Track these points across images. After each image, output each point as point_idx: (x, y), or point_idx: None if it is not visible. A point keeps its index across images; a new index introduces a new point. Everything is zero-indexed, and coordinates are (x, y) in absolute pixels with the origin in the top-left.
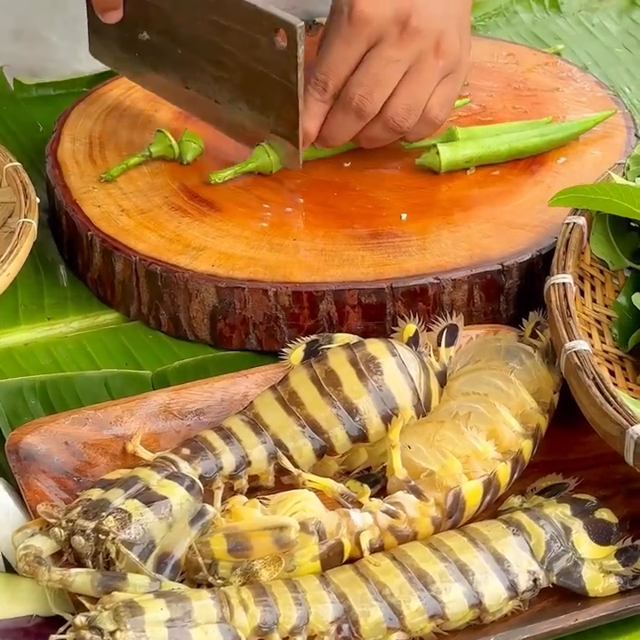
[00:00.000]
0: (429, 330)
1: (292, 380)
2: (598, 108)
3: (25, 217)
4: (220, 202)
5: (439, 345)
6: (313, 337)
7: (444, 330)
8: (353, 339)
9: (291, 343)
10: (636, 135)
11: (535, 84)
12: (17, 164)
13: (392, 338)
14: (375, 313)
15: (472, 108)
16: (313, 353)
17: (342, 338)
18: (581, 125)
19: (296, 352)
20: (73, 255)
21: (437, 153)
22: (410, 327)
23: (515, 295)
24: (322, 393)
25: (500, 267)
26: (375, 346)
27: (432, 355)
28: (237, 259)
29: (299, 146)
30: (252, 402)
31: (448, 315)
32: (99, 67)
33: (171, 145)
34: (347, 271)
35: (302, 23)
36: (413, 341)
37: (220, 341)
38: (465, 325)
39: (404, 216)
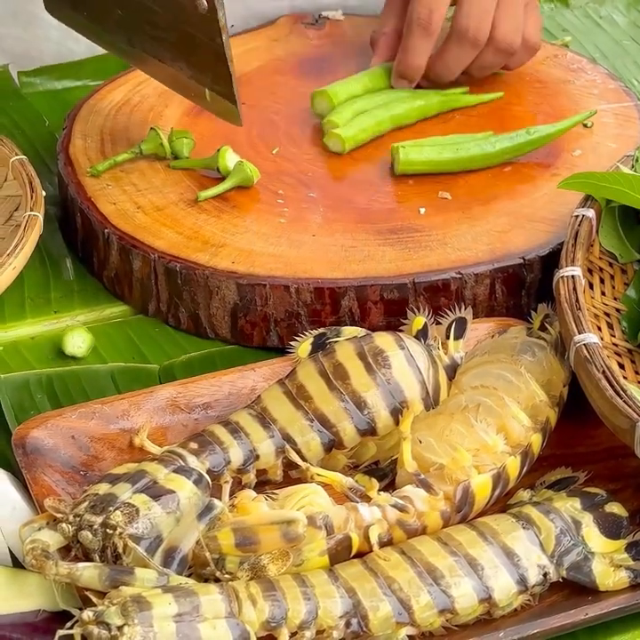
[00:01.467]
0: (439, 323)
1: (300, 373)
2: (610, 99)
3: (31, 210)
4: (236, 198)
5: (448, 338)
6: (321, 330)
7: (452, 323)
8: (361, 332)
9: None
10: None
11: (546, 77)
12: (23, 157)
13: (401, 331)
14: (397, 308)
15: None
16: (321, 346)
17: (350, 331)
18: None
19: (303, 345)
20: (88, 253)
21: (397, 152)
22: (419, 320)
23: (536, 289)
24: (330, 387)
25: (522, 261)
26: (383, 339)
27: (441, 348)
28: (257, 255)
29: (236, 103)
30: (259, 396)
31: (458, 308)
32: (96, 50)
33: (162, 143)
34: (368, 267)
35: None
36: (422, 334)
37: (241, 339)
38: (474, 318)
39: (422, 210)
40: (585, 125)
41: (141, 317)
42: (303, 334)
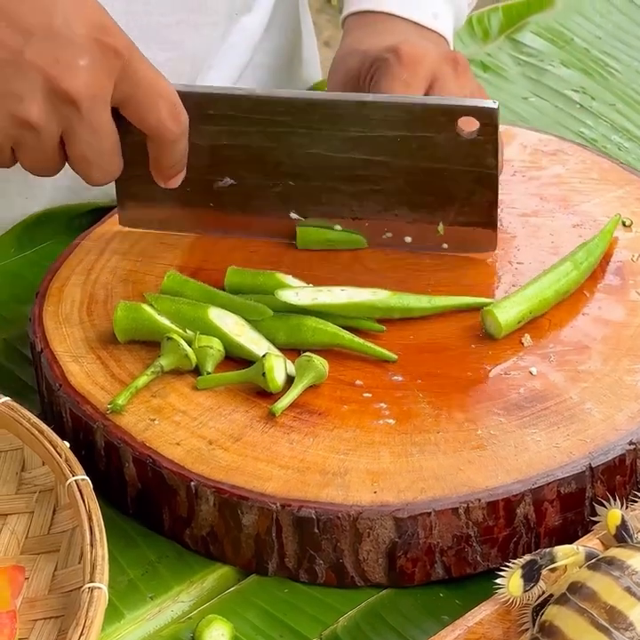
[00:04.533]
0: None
1: (565, 629)
2: (612, 181)
3: (91, 580)
4: (314, 401)
5: None
6: (528, 558)
7: None
8: (577, 551)
9: (483, 561)
10: None
11: (536, 169)
12: (83, 477)
13: (593, 530)
14: (574, 502)
15: None
16: (531, 577)
17: (564, 553)
18: (606, 238)
19: (513, 580)
20: (149, 510)
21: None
22: (614, 514)
23: None
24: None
25: None
26: (636, 559)
27: None
28: (394, 475)
29: (496, 229)
30: None
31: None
32: None
33: (186, 355)
34: (531, 460)
35: (497, 103)
36: (623, 529)
37: (400, 579)
38: None
39: (534, 370)
40: (624, 224)
41: (258, 579)
42: (473, 557)
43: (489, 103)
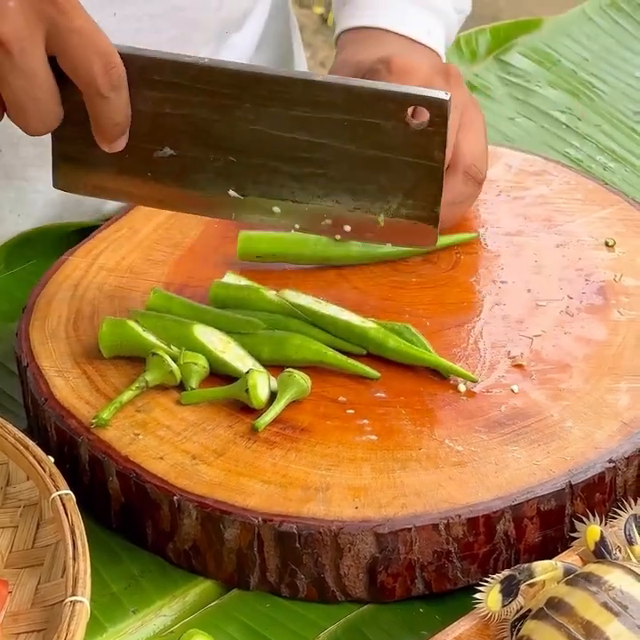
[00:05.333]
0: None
1: None
2: (596, 201)
3: (72, 593)
4: (296, 417)
5: (631, 542)
6: (506, 573)
7: (627, 523)
8: (555, 566)
9: (463, 577)
10: None
11: (521, 189)
12: (66, 492)
13: (572, 546)
14: (554, 519)
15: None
16: (510, 592)
17: (543, 568)
18: None
19: (492, 595)
20: (134, 524)
21: None
22: (593, 530)
23: None
24: None
25: None
26: (613, 575)
27: (633, 556)
28: (376, 491)
29: (437, 225)
30: None
31: (618, 502)
32: None
33: (171, 371)
34: (512, 477)
35: (449, 95)
36: (602, 545)
37: (381, 595)
38: None
39: (515, 388)
40: (607, 244)
41: (240, 593)
42: (454, 574)
43: (440, 94)
